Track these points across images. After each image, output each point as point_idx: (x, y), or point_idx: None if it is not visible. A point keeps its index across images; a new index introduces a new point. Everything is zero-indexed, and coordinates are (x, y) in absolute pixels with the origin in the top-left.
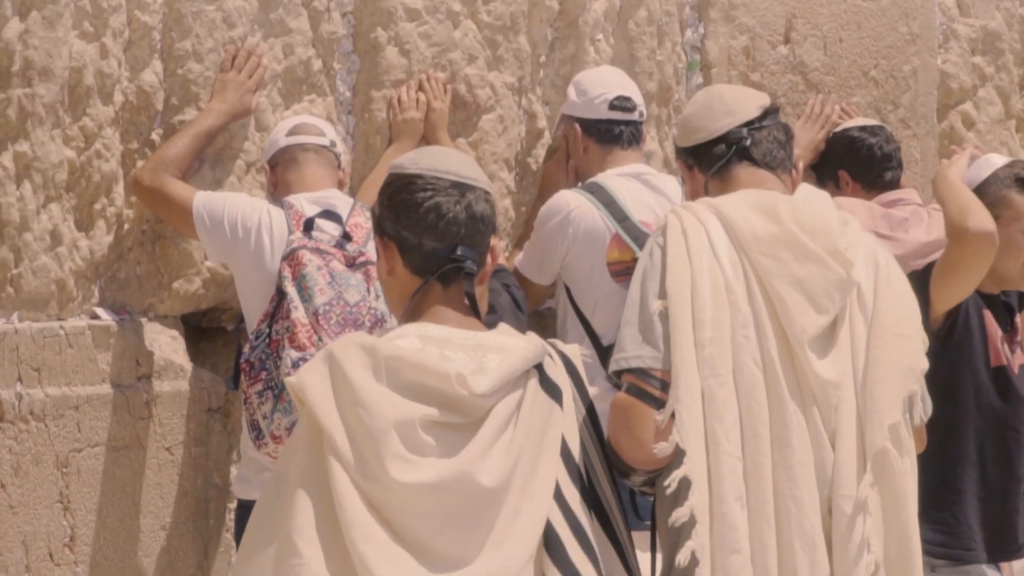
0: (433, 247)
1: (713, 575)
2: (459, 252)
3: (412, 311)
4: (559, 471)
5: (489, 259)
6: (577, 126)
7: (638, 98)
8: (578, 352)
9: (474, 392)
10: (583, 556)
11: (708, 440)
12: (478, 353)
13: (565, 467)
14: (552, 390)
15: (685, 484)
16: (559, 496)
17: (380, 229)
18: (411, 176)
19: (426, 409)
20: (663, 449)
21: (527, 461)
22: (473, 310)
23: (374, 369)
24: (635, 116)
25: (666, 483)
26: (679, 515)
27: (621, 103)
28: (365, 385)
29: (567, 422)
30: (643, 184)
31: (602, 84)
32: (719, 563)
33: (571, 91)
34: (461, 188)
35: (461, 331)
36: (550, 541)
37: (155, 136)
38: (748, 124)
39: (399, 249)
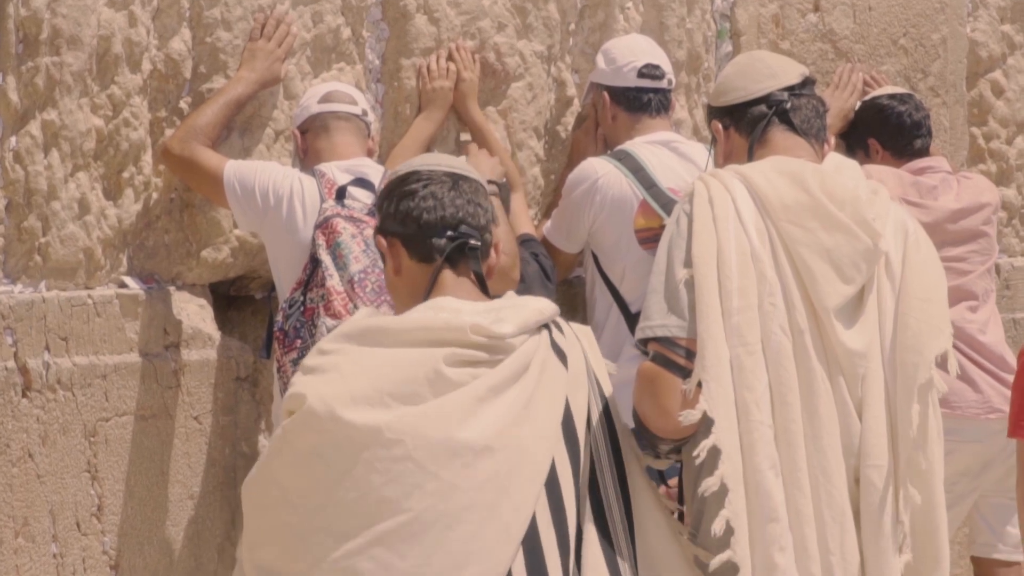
0: (435, 229)
1: (751, 544)
2: (462, 229)
3: (426, 298)
4: (557, 447)
5: (493, 253)
6: (605, 94)
7: (667, 66)
8: (591, 334)
9: (495, 334)
10: (556, 554)
11: (739, 409)
12: (491, 313)
13: (565, 441)
14: (559, 353)
15: (715, 453)
16: (552, 480)
17: (383, 229)
18: (406, 173)
19: (445, 349)
20: (689, 417)
21: (531, 414)
22: (482, 289)
23: (378, 343)
24: (664, 84)
25: (695, 453)
26: (708, 485)
27: (650, 71)
28: (374, 356)
29: (572, 386)
30: (672, 151)
31: (631, 52)
32: (756, 532)
33: (600, 59)
34: (454, 177)
35: (472, 302)
36: (528, 534)
37: (183, 104)
38: (790, 89)
39: (403, 243)
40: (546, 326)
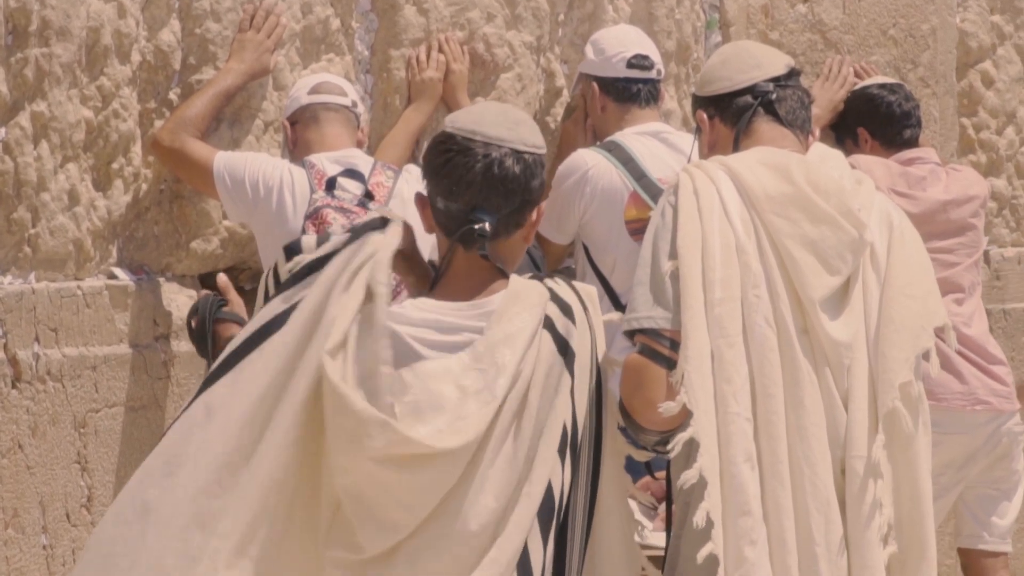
0: (449, 207)
1: (724, 537)
2: (475, 214)
3: (439, 274)
4: (554, 469)
5: (533, 216)
6: (595, 85)
7: (656, 56)
8: (594, 295)
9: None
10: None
11: (717, 401)
12: (487, 355)
13: (569, 458)
14: (563, 349)
15: (693, 446)
16: (548, 488)
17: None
18: (444, 135)
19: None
20: (669, 408)
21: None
22: (494, 269)
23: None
24: (653, 74)
25: (668, 446)
26: (688, 477)
27: (639, 61)
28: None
29: (578, 391)
30: (661, 142)
31: (619, 42)
32: (728, 525)
33: (589, 50)
34: (487, 147)
35: (462, 318)
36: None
37: (173, 96)
38: (775, 80)
39: (431, 207)
40: (549, 321)
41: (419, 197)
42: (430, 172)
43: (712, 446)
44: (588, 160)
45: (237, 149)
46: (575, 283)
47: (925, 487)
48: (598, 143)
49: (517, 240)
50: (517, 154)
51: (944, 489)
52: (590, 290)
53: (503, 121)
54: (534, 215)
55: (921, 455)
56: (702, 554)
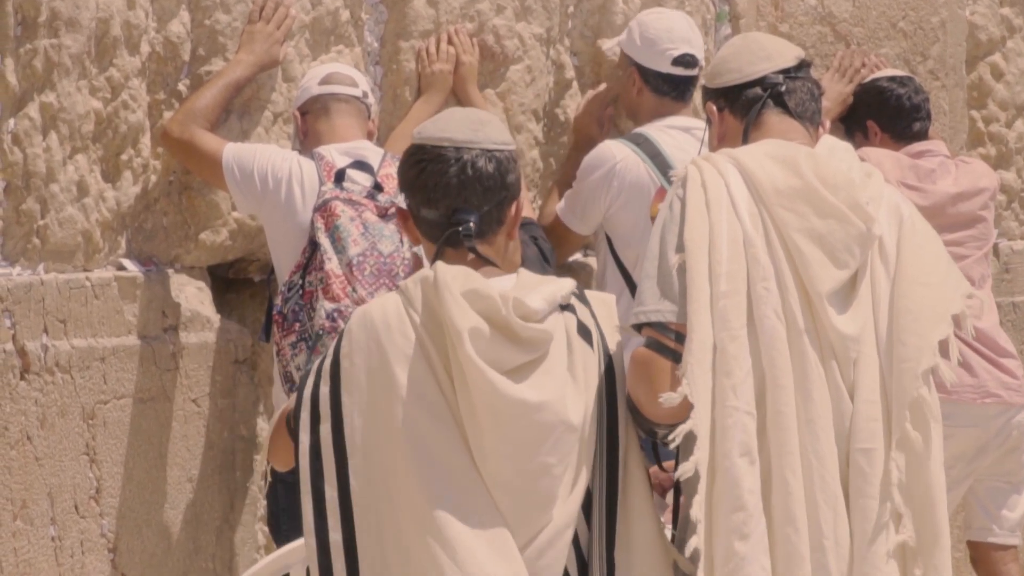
0: (430, 215)
1: (713, 532)
2: (455, 217)
3: None
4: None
5: (512, 210)
6: (635, 70)
7: (700, 52)
8: (609, 302)
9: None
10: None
11: (715, 395)
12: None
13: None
14: (585, 334)
15: (692, 438)
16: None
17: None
18: (414, 148)
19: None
20: (670, 400)
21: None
22: (484, 260)
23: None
24: (695, 71)
25: (670, 437)
26: (684, 470)
27: (684, 60)
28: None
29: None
30: (691, 137)
31: (669, 36)
32: (720, 520)
33: (635, 31)
34: (458, 151)
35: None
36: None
37: (182, 87)
38: (785, 72)
39: (413, 218)
40: (568, 306)
41: (400, 212)
42: (407, 185)
43: (707, 440)
44: (616, 153)
45: (246, 140)
46: (589, 291)
47: (937, 477)
48: (624, 135)
49: (501, 238)
50: (488, 153)
51: (954, 482)
52: (607, 298)
53: (468, 124)
54: (513, 211)
55: (933, 442)
56: (688, 547)
